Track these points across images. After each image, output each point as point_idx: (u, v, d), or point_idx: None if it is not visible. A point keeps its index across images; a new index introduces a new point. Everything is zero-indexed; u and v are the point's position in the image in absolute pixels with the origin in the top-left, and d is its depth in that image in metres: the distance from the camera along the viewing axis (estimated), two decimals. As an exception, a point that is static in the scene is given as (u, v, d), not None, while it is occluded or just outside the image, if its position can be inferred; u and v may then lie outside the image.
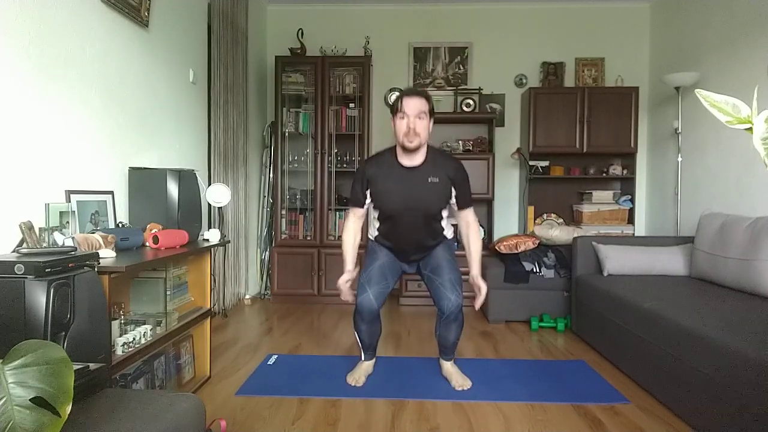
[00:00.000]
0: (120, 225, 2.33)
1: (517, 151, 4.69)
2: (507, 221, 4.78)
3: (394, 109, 2.33)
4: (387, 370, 2.71)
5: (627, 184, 4.55)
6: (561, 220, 4.56)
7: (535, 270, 3.69)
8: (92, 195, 2.23)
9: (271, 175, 4.54)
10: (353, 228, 2.55)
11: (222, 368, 2.74)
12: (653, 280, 3.02)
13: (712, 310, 2.30)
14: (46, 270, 1.41)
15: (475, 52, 4.77)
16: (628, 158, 4.48)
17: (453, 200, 2.46)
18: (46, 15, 1.97)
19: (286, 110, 4.44)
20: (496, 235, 4.54)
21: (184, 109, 3.21)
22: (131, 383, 1.97)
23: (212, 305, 2.80)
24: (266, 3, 4.78)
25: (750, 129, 0.84)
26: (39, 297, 1.38)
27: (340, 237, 4.44)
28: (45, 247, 1.80)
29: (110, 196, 2.35)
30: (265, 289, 4.57)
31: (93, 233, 1.93)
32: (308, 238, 4.45)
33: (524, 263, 3.73)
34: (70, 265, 1.50)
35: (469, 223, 2.54)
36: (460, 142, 4.53)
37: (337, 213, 4.48)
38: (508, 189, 4.79)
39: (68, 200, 2.07)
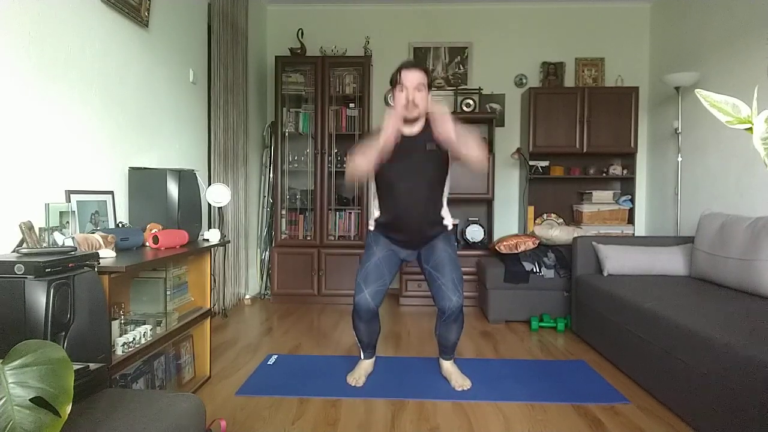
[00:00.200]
0: (120, 225, 2.33)
1: (517, 151, 4.69)
2: (507, 221, 4.78)
3: (394, 81, 2.37)
4: (387, 370, 2.71)
5: (627, 184, 4.55)
6: (561, 220, 4.57)
7: (535, 270, 3.69)
8: (92, 195, 2.23)
9: (271, 175, 4.54)
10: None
11: (222, 368, 2.74)
12: (653, 280, 3.02)
13: (712, 310, 2.30)
14: (46, 270, 1.41)
15: (475, 52, 4.77)
16: (628, 158, 4.49)
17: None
18: (46, 15, 1.97)
19: (286, 110, 4.44)
20: (496, 235, 4.54)
21: (184, 109, 3.22)
22: (131, 383, 1.97)
23: (212, 305, 2.80)
24: (266, 3, 4.78)
25: (750, 129, 0.84)
26: (39, 297, 1.38)
27: (340, 237, 4.48)
28: (45, 247, 1.80)
29: (110, 196, 2.35)
30: (265, 289, 4.57)
31: (93, 233, 1.93)
32: (308, 238, 4.45)
33: (524, 263, 3.73)
34: (70, 265, 1.50)
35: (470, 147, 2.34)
36: (460, 142, 4.53)
37: (337, 213, 4.48)
38: (508, 189, 4.79)
39: (68, 200, 2.07)
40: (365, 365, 2.62)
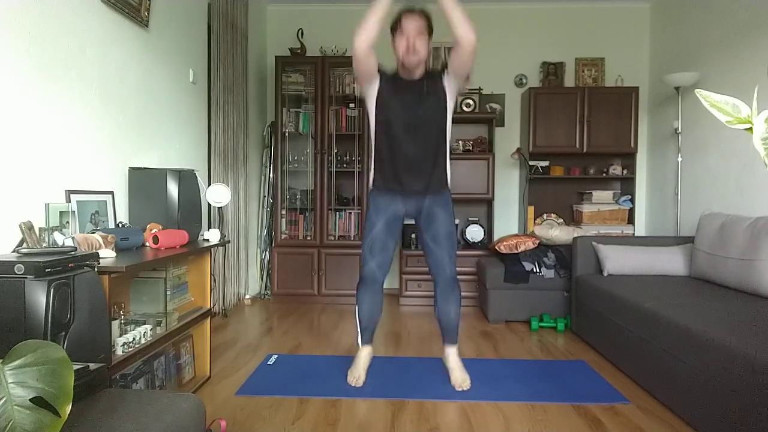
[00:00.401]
0: (120, 225, 2.33)
1: (517, 151, 4.69)
2: (507, 221, 4.78)
3: (394, 27, 2.34)
4: (387, 370, 2.71)
5: (627, 184, 4.55)
6: (561, 220, 4.57)
7: (535, 270, 3.70)
8: (92, 195, 2.23)
9: (271, 175, 4.54)
10: None
11: (222, 368, 2.74)
12: (653, 280, 3.02)
13: (712, 310, 2.30)
14: (46, 270, 1.41)
15: (476, 52, 4.76)
16: (628, 158, 4.49)
17: (453, 88, 2.43)
18: (46, 15, 1.97)
19: (286, 110, 4.44)
20: (496, 235, 4.54)
21: (184, 109, 3.22)
22: (131, 383, 1.97)
23: (212, 305, 2.80)
24: (266, 3, 4.78)
25: (750, 129, 0.84)
26: (39, 297, 1.38)
27: (340, 237, 4.48)
28: (45, 247, 1.80)
29: (110, 196, 2.35)
30: (265, 289, 4.57)
31: (93, 233, 1.93)
32: (308, 238, 4.45)
33: (524, 263, 3.73)
34: (70, 265, 1.50)
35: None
36: (460, 142, 4.54)
37: (337, 213, 4.48)
38: (508, 189, 4.79)
39: (68, 200, 2.07)
40: (363, 356, 2.60)
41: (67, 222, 2.03)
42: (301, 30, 4.52)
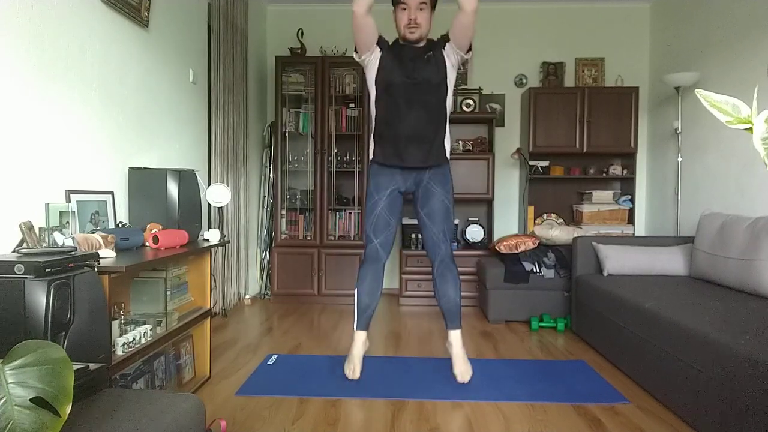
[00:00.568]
0: (120, 225, 2.33)
1: (517, 151, 4.69)
2: (507, 221, 4.78)
3: (395, 2, 2.35)
4: (387, 370, 2.71)
5: (627, 184, 4.55)
6: (561, 220, 4.57)
7: (535, 270, 3.70)
8: (92, 195, 2.23)
9: (271, 175, 4.54)
10: None
11: (222, 368, 2.74)
12: (653, 280, 3.02)
13: (712, 310, 2.30)
14: (46, 270, 1.41)
15: (475, 52, 4.77)
16: (628, 158, 4.49)
17: (454, 57, 2.43)
18: (46, 15, 1.97)
19: (286, 110, 4.44)
20: (496, 235, 4.54)
21: (184, 109, 3.22)
22: (131, 383, 1.97)
23: (212, 305, 2.80)
24: (266, 3, 4.78)
25: (750, 129, 0.84)
26: (39, 297, 1.38)
27: (340, 237, 4.48)
28: (45, 247, 1.80)
29: (110, 196, 2.35)
30: (265, 289, 4.57)
31: (93, 233, 1.93)
32: (308, 238, 4.45)
33: (524, 263, 3.73)
34: (70, 265, 1.50)
35: None
36: (460, 142, 4.54)
37: (337, 213, 4.48)
38: (508, 189, 4.79)
39: (68, 200, 2.07)
40: (358, 344, 2.58)
41: (67, 222, 2.03)
42: (301, 30, 4.52)
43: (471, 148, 4.53)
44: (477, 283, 4.16)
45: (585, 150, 4.38)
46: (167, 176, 2.46)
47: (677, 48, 4.23)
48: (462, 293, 2.56)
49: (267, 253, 4.57)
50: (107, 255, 1.87)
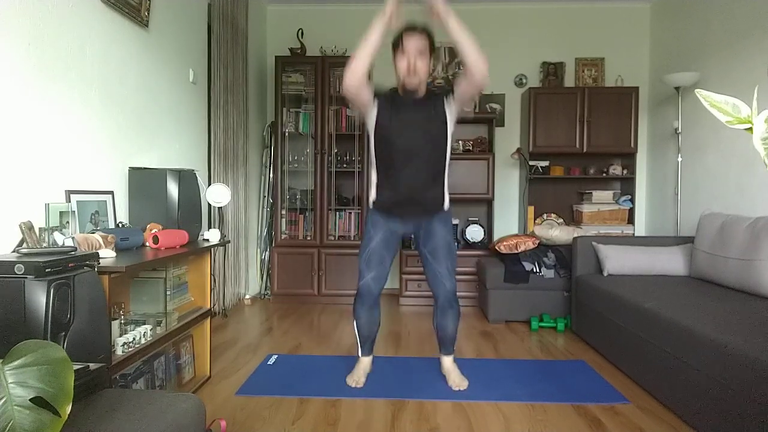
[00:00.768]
0: (120, 225, 2.33)
1: (517, 151, 4.69)
2: (507, 221, 4.78)
3: (395, 44, 2.31)
4: (387, 370, 2.71)
5: (627, 184, 4.55)
6: (561, 220, 4.57)
7: (535, 270, 3.70)
8: (92, 195, 2.23)
9: (271, 175, 4.54)
10: None
11: (222, 368, 2.74)
12: (653, 280, 3.02)
13: (712, 310, 2.30)
14: (46, 270, 1.41)
15: (475, 52, 4.77)
16: (628, 158, 4.49)
17: (455, 112, 2.43)
18: (46, 15, 1.97)
19: (286, 110, 4.44)
20: (496, 235, 4.54)
21: (184, 109, 3.22)
22: (131, 383, 1.97)
23: (212, 305, 2.80)
24: (266, 3, 4.78)
25: (750, 129, 0.84)
26: (39, 297, 1.38)
27: (340, 237, 4.48)
28: (45, 247, 1.80)
29: (110, 196, 2.35)
30: (265, 289, 4.57)
31: (93, 233, 1.93)
32: (308, 238, 4.45)
33: (524, 263, 3.73)
34: (70, 265, 1.50)
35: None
36: (460, 142, 4.54)
37: (337, 213, 4.48)
38: (508, 189, 4.79)
39: (68, 200, 2.07)
40: (364, 364, 2.61)
41: (67, 222, 2.03)
42: (301, 30, 4.52)
43: (471, 148, 4.53)
44: (477, 283, 4.16)
45: (585, 150, 4.38)
46: (167, 176, 2.46)
47: (677, 48, 4.23)
48: (462, 293, 2.55)
49: (267, 253, 4.57)
50: (107, 255, 1.87)
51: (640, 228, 4.65)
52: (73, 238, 1.86)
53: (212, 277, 2.74)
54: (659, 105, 4.49)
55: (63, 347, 1.37)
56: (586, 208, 4.44)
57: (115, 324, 1.85)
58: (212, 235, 2.61)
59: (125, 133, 2.54)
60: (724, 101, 0.85)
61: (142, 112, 2.70)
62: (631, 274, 3.23)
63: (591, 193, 4.48)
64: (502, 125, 4.74)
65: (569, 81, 4.70)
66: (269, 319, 3.84)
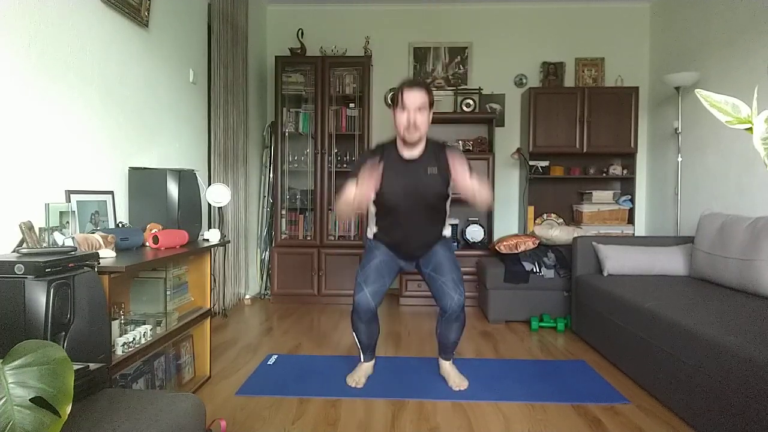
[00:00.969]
0: (120, 225, 2.33)
1: (517, 151, 4.69)
2: (507, 221, 4.78)
3: (395, 101, 2.31)
4: (387, 370, 2.71)
5: (627, 184, 4.55)
6: (561, 220, 4.56)
7: (535, 270, 3.69)
8: (92, 195, 2.23)
9: (271, 175, 4.54)
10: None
11: (222, 368, 2.74)
12: (653, 280, 3.02)
13: (712, 310, 2.30)
14: (46, 270, 1.41)
15: (475, 52, 4.77)
16: (628, 158, 4.48)
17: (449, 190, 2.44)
18: (46, 15, 1.97)
19: (286, 110, 4.44)
20: (496, 235, 4.54)
21: (184, 109, 3.22)
22: (131, 383, 1.97)
23: (212, 305, 2.80)
24: (266, 3, 4.78)
25: (750, 129, 0.84)
26: (39, 297, 1.38)
27: (340, 237, 4.48)
28: (45, 247, 1.80)
29: (110, 196, 2.35)
30: (265, 289, 4.57)
31: (93, 233, 1.93)
32: (308, 238, 4.45)
33: (524, 263, 3.73)
34: (70, 265, 1.50)
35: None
36: (460, 142, 4.54)
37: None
38: (508, 189, 4.79)
39: (68, 200, 2.07)
40: (365, 367, 2.61)
41: (67, 222, 2.03)
42: (301, 30, 4.52)
43: (471, 148, 4.53)
44: (477, 283, 4.16)
45: (585, 150, 4.38)
46: (167, 176, 2.46)
47: (677, 48, 4.23)
48: (464, 292, 2.53)
49: (267, 253, 4.57)
50: (107, 255, 1.87)
51: (640, 228, 4.65)
52: (73, 238, 1.86)
53: (212, 277, 2.74)
54: (659, 105, 4.49)
55: (63, 347, 1.37)
56: (586, 208, 4.44)
57: (115, 324, 1.85)
58: (212, 235, 2.61)
59: (125, 133, 2.54)
60: (724, 101, 0.85)
61: (142, 111, 2.70)
62: (631, 274, 3.23)
63: (591, 193, 4.48)
64: (502, 125, 4.74)
65: (569, 81, 4.70)
66: (269, 319, 3.84)
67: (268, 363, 2.81)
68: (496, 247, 3.94)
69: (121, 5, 2.43)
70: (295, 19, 4.74)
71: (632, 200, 4.44)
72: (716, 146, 3.67)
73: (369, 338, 2.57)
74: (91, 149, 2.27)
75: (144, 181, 2.49)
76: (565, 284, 3.67)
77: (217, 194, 2.78)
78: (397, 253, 2.55)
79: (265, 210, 4.60)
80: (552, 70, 4.65)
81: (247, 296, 4.34)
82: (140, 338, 1.92)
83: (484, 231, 4.46)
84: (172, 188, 2.46)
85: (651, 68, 4.67)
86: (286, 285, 4.39)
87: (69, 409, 0.94)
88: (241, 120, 4.02)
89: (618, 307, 2.77)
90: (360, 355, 2.64)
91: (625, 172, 4.48)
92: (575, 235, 3.71)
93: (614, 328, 2.79)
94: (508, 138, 4.75)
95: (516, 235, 3.98)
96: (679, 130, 3.97)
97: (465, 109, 4.49)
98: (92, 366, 1.30)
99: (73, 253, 1.59)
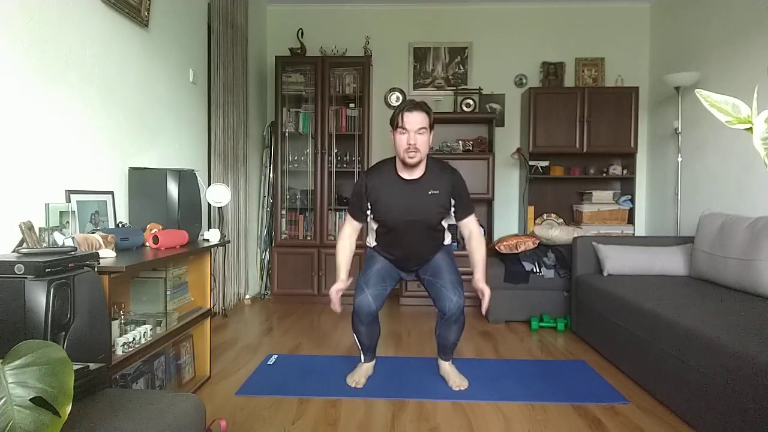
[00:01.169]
0: (120, 225, 2.33)
1: (517, 151, 4.69)
2: (507, 221, 4.78)
3: (394, 123, 2.29)
4: (387, 370, 2.71)
5: (627, 184, 4.55)
6: (561, 220, 4.56)
7: (535, 270, 3.69)
8: (92, 195, 2.23)
9: (271, 175, 4.54)
10: (349, 238, 2.53)
11: (222, 368, 2.74)
12: (653, 280, 3.02)
13: (712, 310, 2.30)
14: (46, 270, 1.41)
15: (475, 52, 4.77)
16: (628, 158, 4.48)
17: (452, 213, 2.47)
18: (46, 15, 1.97)
19: (286, 110, 4.44)
20: (496, 235, 4.54)
21: (184, 109, 3.21)
22: (131, 383, 1.97)
23: (212, 305, 2.80)
24: (266, 3, 4.78)
25: (750, 129, 0.84)
26: (39, 297, 1.38)
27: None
28: (45, 247, 1.80)
29: (110, 196, 2.35)
30: (265, 289, 4.57)
31: (93, 233, 1.93)
32: (308, 238, 4.45)
33: (524, 263, 3.73)
34: (70, 265, 1.50)
35: (471, 231, 2.50)
36: (460, 142, 4.54)
37: (337, 213, 4.48)
38: (508, 189, 4.79)
39: (68, 200, 2.07)
40: (365, 368, 2.62)
41: (67, 222, 2.03)
42: (301, 30, 4.52)
43: (471, 148, 4.53)
44: (477, 283, 4.16)
45: (585, 150, 4.38)
46: (167, 176, 2.46)
47: (677, 48, 4.22)
48: (463, 294, 2.54)
49: (267, 253, 4.57)
50: (107, 255, 1.87)
51: (640, 228, 4.65)
52: (73, 238, 1.86)
53: (212, 277, 2.74)
54: (659, 105, 4.49)
55: (63, 347, 1.37)
56: (586, 208, 4.44)
57: (115, 324, 1.85)
58: (212, 235, 2.61)
59: (125, 133, 2.54)
60: (724, 101, 0.85)
61: (142, 111, 2.70)
62: (631, 274, 3.22)
63: (591, 193, 4.48)
64: (502, 125, 4.74)
65: (569, 81, 4.70)
66: (269, 319, 3.84)
67: (268, 363, 2.81)
68: (496, 247, 3.93)
69: (121, 5, 2.43)
70: (295, 19, 4.74)
71: (632, 200, 4.44)
72: (716, 146, 3.67)
73: (370, 339, 2.57)
74: (91, 149, 2.27)
75: (144, 181, 2.49)
76: (565, 284, 3.67)
77: (217, 194, 2.78)
78: (396, 266, 2.57)
79: (265, 210, 4.60)
80: (552, 70, 4.65)
81: (247, 296, 4.34)
82: (140, 338, 1.92)
83: (484, 231, 4.45)
84: (172, 188, 2.46)
85: (651, 68, 4.66)
86: (286, 285, 4.39)
87: (69, 409, 0.94)
88: (241, 120, 4.02)
89: (618, 307, 2.77)
90: (360, 356, 2.64)
91: (625, 172, 4.48)
92: (575, 235, 3.71)
93: (614, 328, 2.79)
94: (508, 138, 4.75)
95: (516, 235, 3.98)
96: (679, 130, 3.97)
97: (465, 109, 4.49)
98: (92, 366, 1.30)
99: (73, 253, 1.59)
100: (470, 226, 2.51)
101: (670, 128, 4.25)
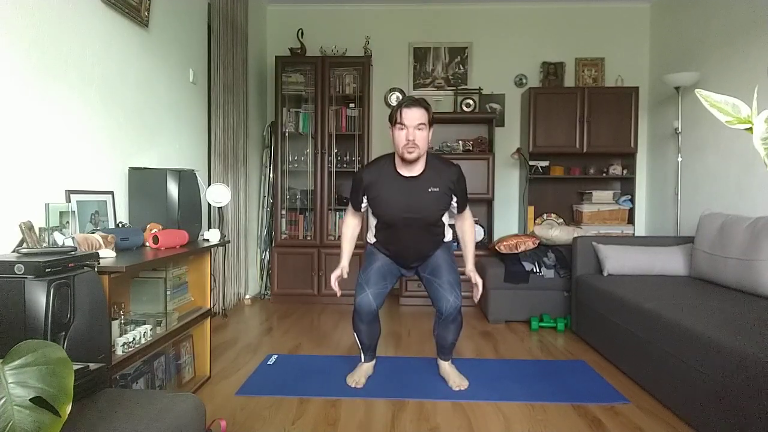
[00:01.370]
0: (120, 225, 2.33)
1: (517, 151, 4.69)
2: (507, 221, 4.78)
3: (393, 119, 2.29)
4: (387, 370, 2.71)
5: (627, 184, 4.55)
6: (561, 220, 4.56)
7: (535, 270, 3.69)
8: (92, 195, 2.23)
9: (271, 175, 4.54)
10: (352, 223, 2.60)
11: (222, 368, 2.74)
12: (653, 280, 3.02)
13: (712, 310, 2.30)
14: (46, 270, 1.41)
15: (475, 52, 4.77)
16: (628, 158, 4.48)
17: (454, 205, 2.47)
18: (46, 15, 1.97)
19: (286, 110, 4.44)
20: (496, 235, 4.54)
21: (184, 109, 3.21)
22: (131, 383, 1.97)
23: (212, 305, 2.80)
24: (266, 3, 4.78)
25: (750, 129, 0.84)
26: (39, 297, 1.38)
27: (340, 237, 4.46)
28: (45, 247, 1.80)
29: (110, 196, 2.35)
30: (265, 289, 4.57)
31: (93, 233, 1.93)
32: (308, 238, 4.45)
33: (524, 263, 3.73)
34: (70, 265, 1.50)
35: (464, 216, 2.57)
36: (460, 142, 4.54)
37: (337, 213, 4.48)
38: (508, 189, 4.79)
39: (68, 200, 2.07)
40: (365, 367, 2.62)
41: (67, 222, 2.03)
42: (301, 30, 4.52)
43: (471, 148, 4.53)
44: (477, 283, 4.16)
45: (585, 150, 4.38)
46: (167, 176, 2.46)
47: (677, 48, 4.22)
48: (462, 293, 2.55)
49: (267, 253, 4.57)
50: (107, 255, 1.87)
51: (640, 228, 4.65)
52: (73, 238, 1.86)
53: (212, 277, 2.74)
54: (659, 105, 4.49)
55: (63, 347, 1.37)
56: (586, 208, 4.44)
57: (115, 324, 1.85)
58: (212, 235, 2.61)
59: (125, 133, 2.54)
60: (724, 101, 0.85)
61: (142, 111, 2.70)
62: (631, 274, 3.23)
63: (591, 193, 4.48)
64: (502, 125, 4.74)
65: (569, 81, 4.70)
66: (269, 319, 3.84)
67: (268, 363, 2.81)
68: (496, 247, 3.94)
69: (121, 5, 2.43)
70: (295, 19, 4.74)
71: (632, 200, 4.44)
72: (716, 146, 3.67)
73: (370, 339, 2.57)
74: (91, 149, 2.27)
75: (144, 181, 2.49)
76: (565, 284, 3.67)
77: (217, 194, 2.78)
78: (395, 262, 2.57)
79: (265, 210, 4.60)
80: (552, 70, 4.65)
81: (247, 296, 4.34)
82: (140, 338, 1.92)
83: (484, 231, 4.46)
84: (172, 188, 2.46)
85: (651, 68, 4.66)
86: (286, 285, 4.39)
87: (69, 409, 0.94)
88: (241, 120, 4.02)
89: (618, 307, 2.77)
90: (361, 355, 2.64)
91: (625, 172, 4.48)
92: (575, 235, 3.71)
93: (614, 328, 2.79)
94: (508, 138, 4.75)
95: (516, 235, 3.98)
96: (679, 130, 3.97)
97: (465, 109, 4.49)
98: (92, 366, 1.30)
99: (73, 253, 1.59)
100: (463, 214, 2.57)
101: (670, 128, 4.25)
